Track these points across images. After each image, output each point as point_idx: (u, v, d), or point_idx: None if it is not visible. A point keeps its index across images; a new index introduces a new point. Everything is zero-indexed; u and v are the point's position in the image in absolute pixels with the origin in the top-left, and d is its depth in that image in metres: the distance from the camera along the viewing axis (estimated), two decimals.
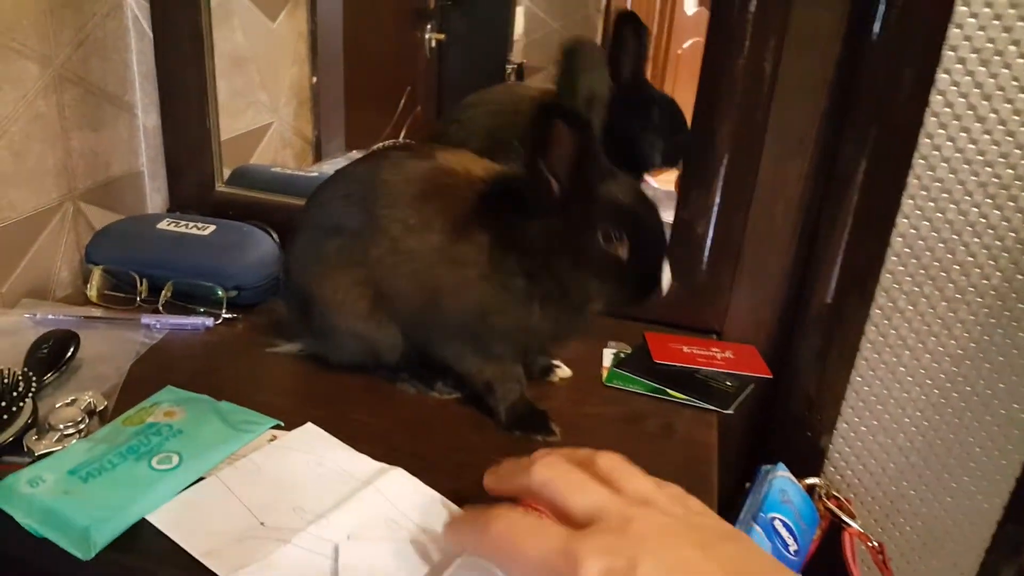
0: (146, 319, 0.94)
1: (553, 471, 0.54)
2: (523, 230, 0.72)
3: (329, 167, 1.50)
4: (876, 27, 0.84)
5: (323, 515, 0.63)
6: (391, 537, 0.63)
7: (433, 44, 1.54)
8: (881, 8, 0.84)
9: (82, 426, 0.73)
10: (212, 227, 1.02)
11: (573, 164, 0.69)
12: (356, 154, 1.53)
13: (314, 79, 1.52)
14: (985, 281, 0.91)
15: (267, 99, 1.41)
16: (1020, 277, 0.89)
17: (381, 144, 1.48)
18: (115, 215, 1.14)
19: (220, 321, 0.96)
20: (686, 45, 1.91)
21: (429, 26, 1.53)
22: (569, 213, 0.71)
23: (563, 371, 0.91)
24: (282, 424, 0.76)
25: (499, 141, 1.07)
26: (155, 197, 1.22)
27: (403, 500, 0.67)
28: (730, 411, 0.86)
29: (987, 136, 0.85)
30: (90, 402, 0.77)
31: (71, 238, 1.08)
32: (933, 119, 0.86)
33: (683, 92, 1.72)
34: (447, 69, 1.55)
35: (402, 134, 1.55)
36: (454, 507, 0.67)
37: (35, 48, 0.97)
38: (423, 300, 0.78)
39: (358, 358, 0.84)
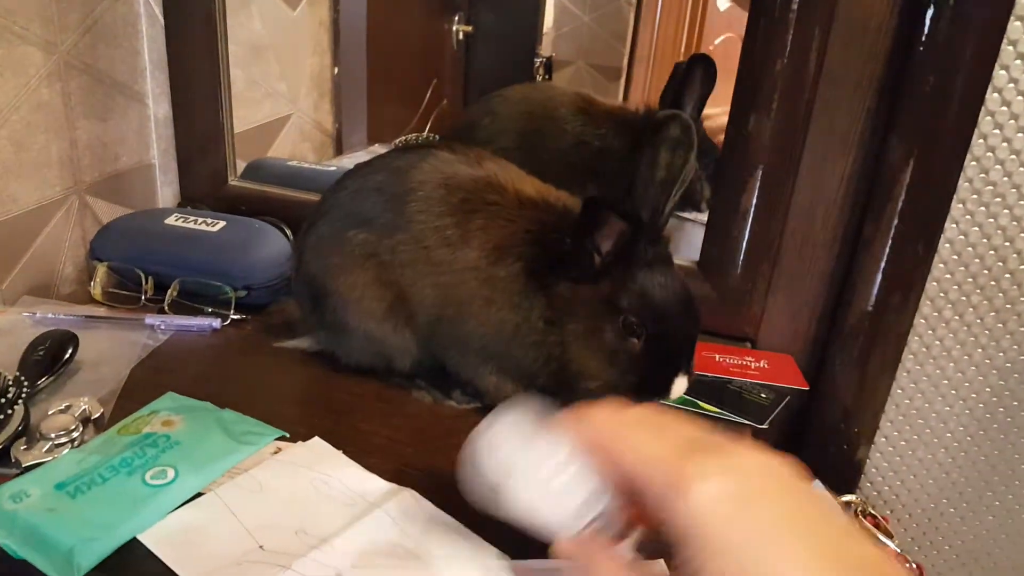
0: (150, 319, 0.90)
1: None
2: (556, 281, 0.70)
3: (350, 161, 1.45)
4: (929, 19, 0.78)
5: (327, 539, 0.59)
6: (399, 566, 0.58)
7: (460, 36, 1.51)
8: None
9: (75, 435, 0.69)
10: (222, 223, 0.98)
11: (617, 248, 0.66)
12: (379, 148, 1.50)
13: (336, 70, 1.48)
14: None
15: (286, 90, 1.37)
16: None
17: (404, 139, 1.45)
18: (124, 209, 1.10)
19: (228, 322, 0.92)
20: (718, 41, 1.85)
21: (457, 17, 1.50)
22: (600, 288, 0.68)
23: None
24: (287, 436, 0.71)
25: (530, 146, 1.03)
26: (166, 191, 1.18)
27: (414, 526, 0.62)
28: (765, 426, 0.81)
29: None
30: (85, 408, 0.73)
31: (76, 233, 1.04)
32: (988, 118, 0.80)
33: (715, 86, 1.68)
34: (474, 62, 1.52)
35: (427, 128, 1.52)
36: (470, 534, 0.62)
37: (38, 33, 0.93)
38: (447, 313, 0.74)
39: (370, 360, 0.80)
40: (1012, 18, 0.76)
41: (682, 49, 1.74)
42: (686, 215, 1.01)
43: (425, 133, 1.51)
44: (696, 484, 0.39)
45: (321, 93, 1.47)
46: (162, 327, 0.90)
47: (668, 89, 1.02)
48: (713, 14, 1.73)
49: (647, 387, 0.69)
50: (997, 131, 0.80)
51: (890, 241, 0.86)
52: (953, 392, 0.93)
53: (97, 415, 0.73)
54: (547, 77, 1.48)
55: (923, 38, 0.79)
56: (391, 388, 0.81)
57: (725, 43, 1.89)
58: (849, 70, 0.83)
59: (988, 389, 0.91)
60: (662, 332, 0.68)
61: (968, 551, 0.99)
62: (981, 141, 0.81)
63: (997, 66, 0.78)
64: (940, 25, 0.77)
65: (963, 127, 0.80)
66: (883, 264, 0.88)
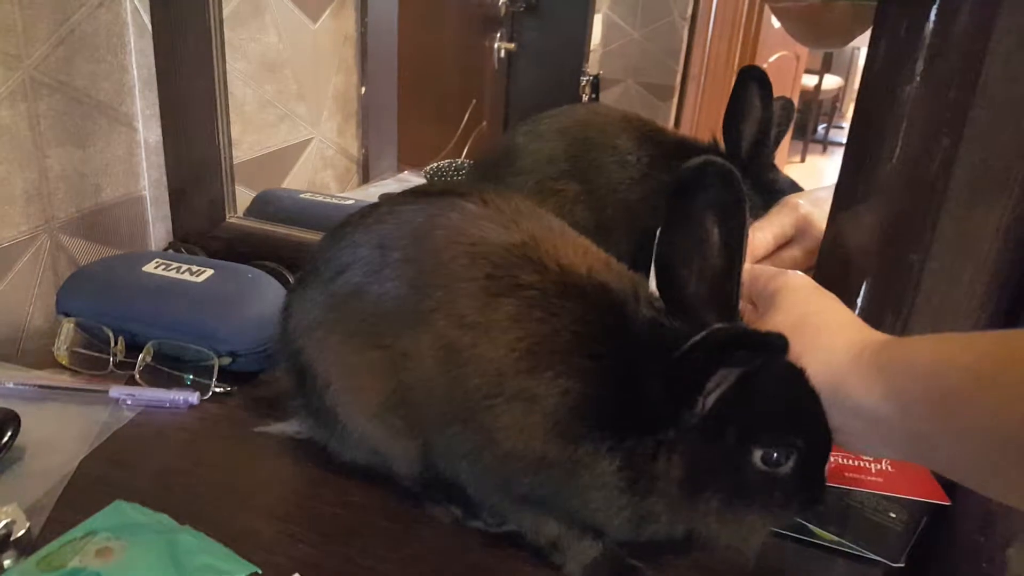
0: (115, 392, 0.73)
1: None
2: (638, 427, 0.50)
3: (377, 189, 1.34)
4: None
5: None
6: None
7: (502, 54, 1.44)
8: None
9: None
10: (209, 272, 0.81)
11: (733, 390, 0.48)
12: (409, 176, 1.42)
13: (363, 89, 1.37)
14: None
15: (306, 111, 1.26)
16: None
17: (437, 165, 1.32)
18: (108, 249, 0.96)
19: (208, 396, 0.74)
20: (772, 59, 1.73)
21: (499, 34, 1.44)
22: (720, 438, 0.49)
23: None
24: (259, 573, 0.53)
25: (584, 179, 0.87)
26: (159, 227, 1.02)
27: None
28: (901, 563, 0.61)
29: None
30: (7, 523, 0.56)
31: (48, 278, 0.89)
32: None
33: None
34: (517, 81, 1.45)
35: (464, 152, 1.44)
36: None
37: None
38: (462, 419, 0.54)
39: (366, 460, 0.62)
40: None
41: (735, 67, 1.64)
42: None
43: (462, 158, 1.41)
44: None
45: (346, 115, 1.36)
46: (129, 402, 0.73)
47: (727, 113, 0.84)
48: (768, 31, 1.65)
49: (806, 502, 0.52)
50: None
51: None
52: None
53: (21, 533, 0.56)
54: (594, 96, 1.40)
55: None
56: (402, 500, 0.62)
57: (780, 60, 1.78)
58: (1010, 92, 0.63)
59: None
60: (809, 441, 0.50)
61: None
62: None
63: None
64: None
65: None
66: None
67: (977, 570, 0.76)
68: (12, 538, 0.56)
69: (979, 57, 0.62)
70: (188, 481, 0.64)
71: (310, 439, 0.67)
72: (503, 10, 1.40)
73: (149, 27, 0.93)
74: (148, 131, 0.98)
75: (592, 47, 1.40)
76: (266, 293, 0.79)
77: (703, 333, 0.44)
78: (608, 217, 0.85)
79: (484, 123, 1.47)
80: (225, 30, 0.94)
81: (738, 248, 0.50)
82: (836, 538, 0.62)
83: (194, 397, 0.74)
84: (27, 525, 0.57)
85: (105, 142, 0.94)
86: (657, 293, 0.53)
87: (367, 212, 0.61)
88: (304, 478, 0.66)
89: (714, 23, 1.53)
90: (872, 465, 0.70)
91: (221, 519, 0.58)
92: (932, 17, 0.62)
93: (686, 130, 1.44)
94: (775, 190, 0.84)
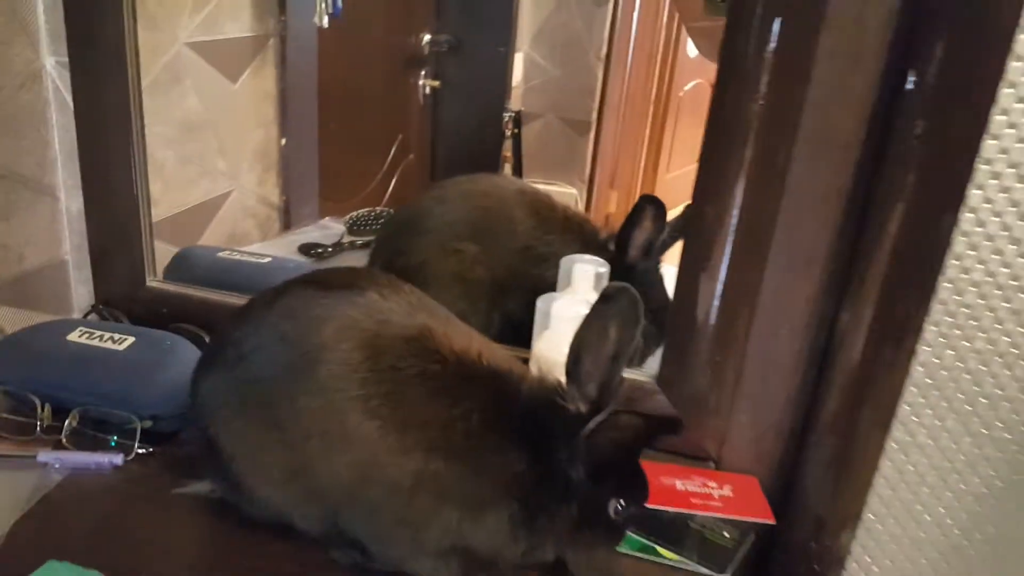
0: (44, 456, 0.81)
1: None
2: (527, 478, 0.63)
3: (298, 237, 1.40)
4: (900, 133, 0.72)
5: None
6: None
7: (427, 91, 1.51)
8: (907, 112, 0.71)
9: None
10: (130, 339, 0.89)
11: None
12: (330, 221, 1.47)
13: (283, 141, 1.43)
14: (1015, 416, 0.79)
15: (225, 166, 1.32)
16: None
17: (356, 214, 1.38)
18: (32, 314, 1.02)
19: (132, 457, 0.82)
20: (688, 87, 1.84)
21: (423, 72, 1.50)
22: (590, 492, 0.64)
23: None
24: None
25: (483, 243, 0.98)
26: (80, 290, 1.09)
27: None
28: (727, 574, 0.73)
29: (1023, 259, 0.73)
30: None
31: None
32: (963, 238, 0.74)
33: (685, 133, 1.66)
34: (442, 116, 1.53)
35: (391, 184, 1.51)
36: None
37: None
38: (366, 498, 0.64)
39: (273, 518, 0.71)
40: (986, 137, 0.70)
41: (652, 97, 1.73)
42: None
43: (383, 206, 1.46)
44: None
45: (266, 166, 1.41)
46: (56, 465, 0.80)
47: (624, 225, 0.96)
48: (683, 61, 1.73)
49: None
50: (972, 252, 0.74)
51: (859, 361, 0.80)
52: (928, 517, 0.85)
53: None
54: (516, 131, 1.48)
55: (891, 159, 0.73)
56: (307, 546, 0.71)
57: (695, 89, 1.88)
58: (815, 184, 0.76)
59: (964, 515, 0.84)
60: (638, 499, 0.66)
61: None
62: (956, 263, 0.75)
63: (971, 187, 0.72)
64: (913, 144, 0.71)
65: (936, 248, 0.74)
66: (852, 386, 0.82)
67: (810, 570, 0.90)
68: None
69: (787, 156, 0.75)
70: (116, 539, 0.72)
71: (223, 502, 0.75)
72: (427, 49, 1.48)
73: (70, 103, 1.00)
74: (70, 200, 1.05)
75: (514, 84, 1.49)
76: (184, 358, 0.87)
77: (604, 414, 0.58)
78: (501, 276, 0.96)
79: (411, 156, 1.54)
80: (145, 98, 1.00)
81: (626, 350, 0.62)
82: (677, 556, 0.75)
83: (118, 459, 0.81)
84: None
85: (28, 213, 1.00)
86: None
87: (271, 299, 0.69)
88: (221, 533, 0.74)
89: (632, 59, 1.60)
90: (715, 491, 0.83)
91: (148, 572, 0.67)
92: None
93: (605, 163, 1.55)
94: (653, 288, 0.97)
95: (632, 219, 0.95)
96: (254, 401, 0.66)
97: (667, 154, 1.74)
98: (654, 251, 0.96)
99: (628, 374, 0.87)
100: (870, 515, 0.88)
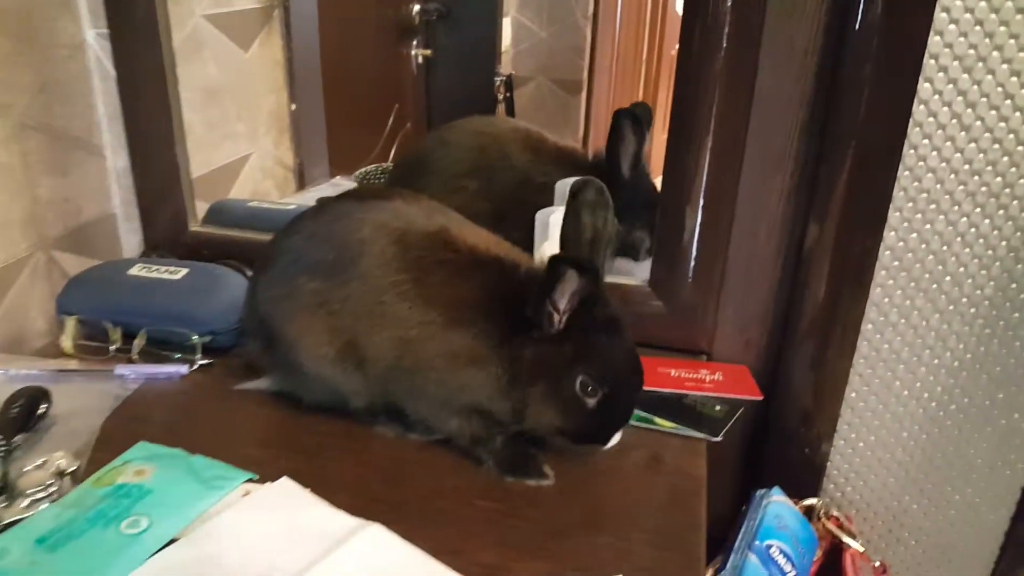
0: (120, 370, 0.91)
1: None
2: (518, 341, 0.73)
3: (313, 194, 1.48)
4: (854, 36, 0.81)
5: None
6: None
7: (420, 60, 1.55)
8: (859, 16, 0.81)
9: (52, 489, 0.71)
10: (184, 271, 1.00)
11: (576, 307, 0.70)
12: (341, 180, 1.54)
13: (293, 106, 1.50)
14: (978, 291, 0.89)
15: (244, 130, 1.40)
16: (1014, 286, 0.87)
17: (365, 170, 1.47)
18: (90, 261, 1.12)
19: (195, 367, 0.93)
20: (675, 49, 1.89)
21: (415, 42, 1.54)
22: (563, 350, 0.72)
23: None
24: (256, 478, 0.73)
25: (483, 179, 1.08)
26: (130, 239, 1.19)
27: (381, 558, 0.64)
28: (719, 438, 0.84)
29: (973, 144, 0.83)
30: (60, 463, 0.74)
31: (44, 288, 1.05)
32: (916, 129, 0.84)
33: None
34: (435, 84, 1.56)
35: (391, 154, 1.55)
36: (435, 563, 0.64)
37: None
38: (404, 364, 0.76)
39: (328, 399, 0.82)
40: (932, 33, 0.80)
41: (643, 57, 1.78)
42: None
43: (388, 161, 1.53)
44: None
45: (280, 130, 1.49)
46: (132, 376, 0.91)
47: (608, 142, 1.06)
48: (673, 20, 1.76)
49: (593, 439, 0.75)
50: (927, 141, 0.84)
51: (831, 250, 0.90)
52: (906, 392, 0.96)
53: (72, 468, 0.74)
54: (508, 95, 1.53)
55: (849, 54, 0.82)
56: (356, 425, 0.82)
57: None
58: (780, 90, 0.86)
59: (939, 388, 0.95)
60: (615, 394, 0.72)
61: (934, 545, 1.02)
62: (912, 152, 0.85)
63: (921, 80, 0.82)
64: (864, 42, 0.81)
65: (893, 140, 0.84)
66: (827, 273, 0.91)
67: (801, 453, 1.00)
68: (66, 473, 0.74)
69: (754, 64, 0.85)
70: (190, 427, 0.83)
71: (279, 392, 0.87)
72: (417, 19, 1.53)
73: (111, 71, 1.11)
74: (116, 158, 1.15)
75: (504, 48, 1.53)
76: (232, 283, 0.98)
77: (550, 258, 0.68)
78: (502, 207, 1.05)
79: (408, 124, 1.58)
80: None
81: (602, 232, 0.72)
82: (673, 425, 0.85)
83: (184, 368, 0.93)
84: (77, 463, 0.75)
85: (81, 171, 1.11)
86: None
87: (315, 210, 0.82)
88: (279, 417, 0.85)
89: (620, 18, 1.63)
90: (708, 377, 0.93)
91: (220, 449, 0.77)
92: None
93: (599, 122, 1.59)
94: (644, 200, 1.04)
95: (613, 136, 1.04)
96: (309, 293, 0.77)
97: (662, 112, 1.80)
98: (641, 159, 1.05)
99: (623, 279, 0.98)
100: (852, 393, 0.98)
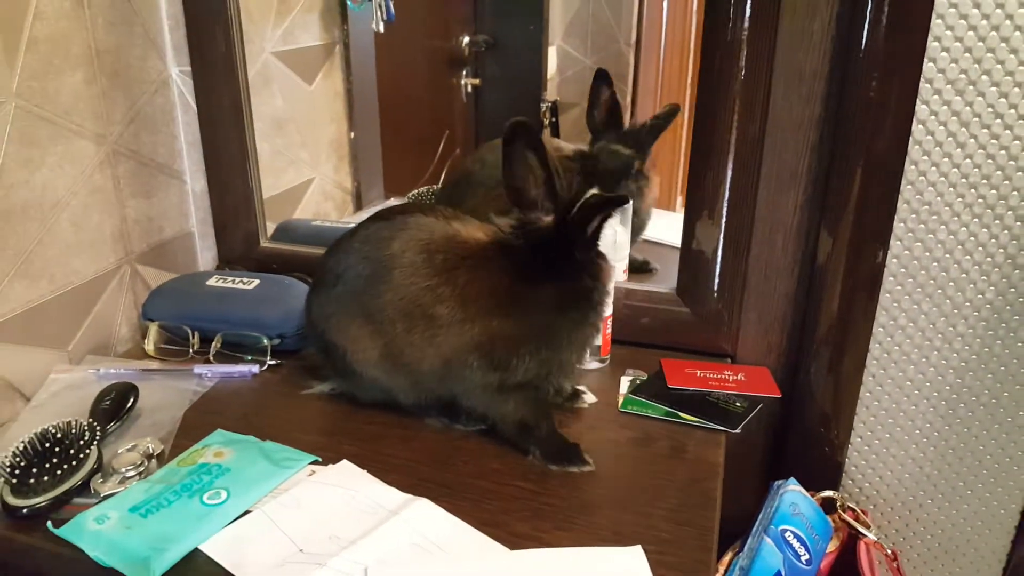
0: (198, 369, 1.03)
1: None
2: (543, 292, 0.85)
3: (368, 214, 1.58)
4: (856, 65, 0.89)
5: (355, 542, 0.71)
6: (415, 560, 0.70)
7: (469, 89, 1.63)
8: (862, 46, 0.89)
9: (141, 468, 0.82)
10: (256, 281, 1.11)
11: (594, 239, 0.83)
12: (394, 200, 1.63)
13: (352, 134, 1.61)
14: (980, 296, 0.95)
15: (308, 156, 1.50)
16: (1012, 291, 0.93)
17: (417, 191, 1.57)
18: (169, 274, 1.24)
19: (265, 368, 1.05)
20: (699, 75, 1.93)
21: (464, 72, 1.62)
22: (583, 283, 0.85)
23: (589, 397, 0.99)
24: (320, 460, 0.83)
25: None
26: (205, 255, 1.32)
27: (427, 527, 0.74)
28: (738, 430, 0.91)
29: (969, 160, 0.90)
30: (149, 447, 0.85)
31: (129, 297, 1.18)
32: (916, 147, 0.91)
33: None
34: (484, 111, 1.63)
35: (443, 174, 1.61)
36: (476, 532, 0.73)
37: (91, 128, 1.08)
38: (450, 362, 0.85)
39: (380, 396, 0.92)
40: (926, 60, 0.88)
41: (688, 82, 1.83)
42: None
43: (439, 184, 1.61)
44: None
45: (340, 156, 1.60)
46: (208, 375, 1.02)
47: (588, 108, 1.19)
48: None
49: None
50: (926, 157, 0.91)
51: (844, 261, 0.97)
52: (917, 392, 1.03)
53: (159, 451, 0.86)
54: (554, 120, 1.57)
55: (854, 79, 0.90)
56: (408, 417, 0.93)
57: None
58: (791, 113, 0.95)
59: (948, 387, 1.01)
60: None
61: (948, 539, 1.08)
62: (913, 167, 0.92)
63: (919, 102, 0.89)
64: (868, 68, 0.89)
65: (896, 157, 0.91)
66: (840, 281, 0.99)
67: (822, 452, 1.06)
68: (153, 456, 0.85)
69: (767, 90, 0.94)
70: (261, 418, 0.94)
71: (341, 393, 0.97)
72: (467, 51, 1.60)
73: (192, 104, 1.23)
74: (195, 182, 1.28)
75: (549, 76, 1.57)
76: (299, 293, 1.09)
77: (586, 197, 0.79)
78: None
79: (458, 150, 1.65)
80: None
81: (545, 163, 0.82)
82: (695, 419, 0.93)
83: (255, 368, 1.04)
84: (162, 447, 0.86)
85: (164, 193, 1.23)
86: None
87: (351, 234, 0.92)
88: (341, 412, 0.96)
89: (665, 45, 1.64)
90: (731, 377, 1.01)
91: (288, 437, 0.88)
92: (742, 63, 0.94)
93: None
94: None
95: (591, 98, 1.16)
96: (352, 304, 0.88)
97: None
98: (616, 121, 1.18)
99: (650, 286, 1.07)
100: (867, 393, 1.05)
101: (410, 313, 0.85)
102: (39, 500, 0.76)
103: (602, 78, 1.10)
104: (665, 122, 1.15)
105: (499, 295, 0.84)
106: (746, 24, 0.91)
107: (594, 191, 0.80)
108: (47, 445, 0.80)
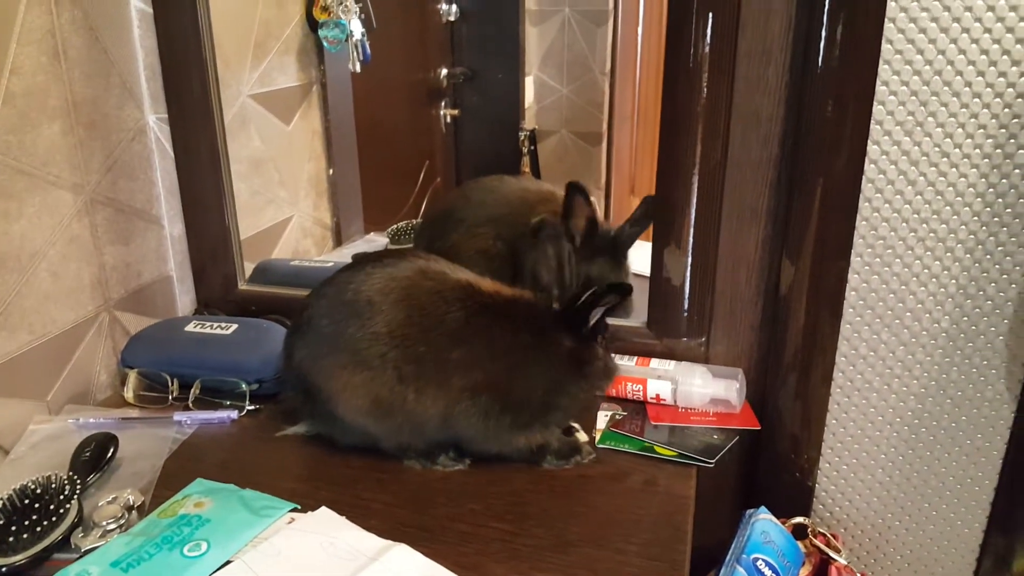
0: (178, 416, 1.05)
1: None
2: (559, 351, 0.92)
3: (348, 250, 1.59)
4: (810, 112, 0.93)
5: None
6: None
7: (448, 119, 1.67)
8: (816, 87, 0.93)
9: (122, 521, 0.84)
10: (234, 326, 1.13)
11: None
12: (374, 236, 1.66)
13: (331, 171, 1.63)
14: (935, 325, 0.99)
15: (286, 194, 1.52)
16: (965, 319, 0.97)
17: (396, 227, 1.58)
18: (147, 319, 1.26)
19: (244, 413, 1.06)
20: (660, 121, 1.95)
21: (443, 103, 1.66)
22: (592, 350, 0.93)
23: (581, 435, 1.01)
24: (299, 507, 0.85)
25: (492, 222, 1.20)
26: (184, 299, 1.34)
27: (406, 573, 0.76)
28: (712, 463, 0.94)
29: (919, 197, 0.94)
30: (129, 499, 0.87)
31: (108, 344, 1.19)
32: (869, 185, 0.95)
33: None
34: (463, 141, 1.68)
35: (424, 202, 1.67)
36: None
37: (68, 178, 1.09)
38: (456, 408, 0.89)
39: (360, 441, 0.94)
40: (875, 103, 0.91)
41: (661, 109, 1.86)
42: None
43: (419, 216, 1.64)
44: None
45: (319, 193, 1.62)
46: (188, 422, 1.04)
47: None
48: None
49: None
50: (879, 195, 0.95)
51: (806, 291, 1.01)
52: (880, 418, 1.06)
53: (139, 503, 0.87)
54: (532, 148, 1.64)
55: (808, 122, 0.94)
56: (385, 459, 0.94)
57: None
58: (749, 154, 0.98)
59: (909, 413, 1.04)
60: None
61: (917, 559, 1.11)
62: (867, 204, 0.96)
63: (870, 143, 0.93)
64: (820, 111, 0.93)
65: (850, 196, 0.95)
66: (803, 311, 1.02)
67: (793, 477, 1.09)
68: (133, 508, 0.87)
69: (726, 134, 0.97)
70: (241, 465, 0.95)
71: (317, 435, 0.99)
72: (445, 82, 1.65)
73: (169, 151, 1.25)
74: (172, 227, 1.30)
75: (527, 105, 1.63)
76: (277, 337, 1.10)
77: (593, 289, 0.87)
78: (512, 246, 1.17)
79: (438, 179, 1.70)
80: None
81: (563, 257, 0.90)
82: (673, 452, 0.96)
83: (234, 414, 1.05)
84: (142, 498, 0.88)
85: (142, 239, 1.25)
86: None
87: (330, 280, 0.93)
88: (317, 454, 0.97)
89: (640, 73, 1.70)
90: (711, 410, 1.04)
91: (268, 484, 0.89)
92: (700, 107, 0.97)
93: (621, 170, 1.67)
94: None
95: (565, 208, 1.14)
96: (335, 348, 0.89)
97: None
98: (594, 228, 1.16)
99: (624, 322, 1.10)
100: (833, 420, 1.08)
101: (417, 359, 0.87)
102: (18, 558, 0.77)
103: (579, 191, 1.12)
104: (642, 228, 1.17)
105: (515, 346, 0.89)
106: (705, 69, 0.95)
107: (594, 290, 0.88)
108: (26, 501, 0.81)
